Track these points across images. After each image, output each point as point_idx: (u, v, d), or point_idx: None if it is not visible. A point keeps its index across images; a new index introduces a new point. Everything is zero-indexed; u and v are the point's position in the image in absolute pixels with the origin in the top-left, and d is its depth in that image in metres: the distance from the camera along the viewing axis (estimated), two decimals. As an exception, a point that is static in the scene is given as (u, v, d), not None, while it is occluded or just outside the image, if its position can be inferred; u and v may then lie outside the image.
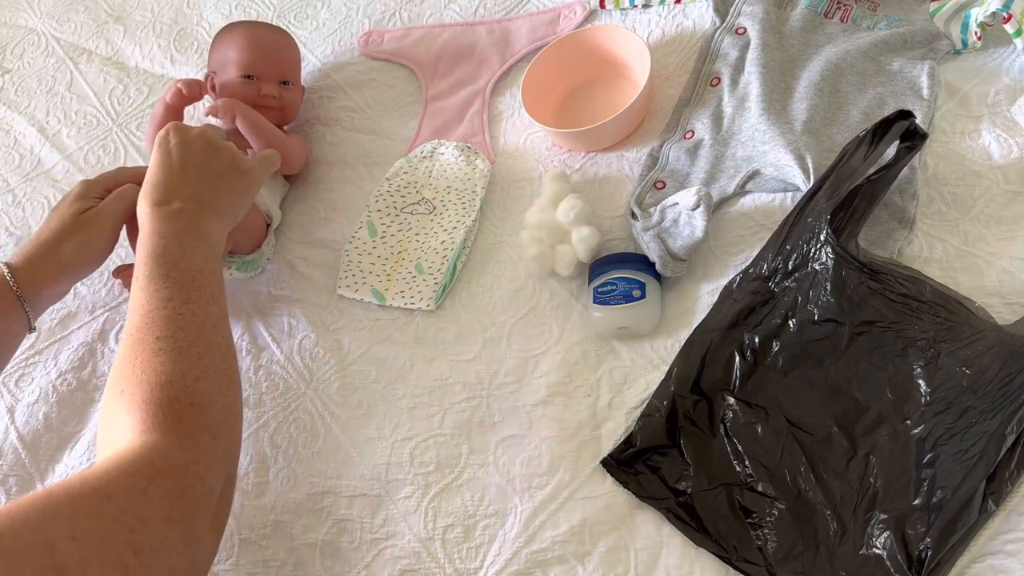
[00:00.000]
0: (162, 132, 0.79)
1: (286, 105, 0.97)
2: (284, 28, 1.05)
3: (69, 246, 0.79)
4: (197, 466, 0.58)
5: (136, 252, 0.73)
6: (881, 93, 0.80)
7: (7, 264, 0.77)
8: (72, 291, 0.97)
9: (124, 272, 0.87)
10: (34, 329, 0.79)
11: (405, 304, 0.84)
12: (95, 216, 0.80)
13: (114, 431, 0.60)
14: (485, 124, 0.96)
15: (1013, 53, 0.78)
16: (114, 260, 0.98)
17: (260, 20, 1.15)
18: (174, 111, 0.94)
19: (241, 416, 0.67)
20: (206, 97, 0.98)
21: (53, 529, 0.49)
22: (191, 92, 0.93)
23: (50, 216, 0.82)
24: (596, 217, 0.82)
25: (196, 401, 0.61)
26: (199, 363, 0.64)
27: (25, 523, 0.49)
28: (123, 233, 0.84)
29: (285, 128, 1.01)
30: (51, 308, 0.96)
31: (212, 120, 1.01)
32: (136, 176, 0.84)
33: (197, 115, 1.09)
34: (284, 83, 0.97)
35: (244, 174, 0.80)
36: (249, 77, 0.95)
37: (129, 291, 0.86)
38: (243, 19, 1.15)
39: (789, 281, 0.69)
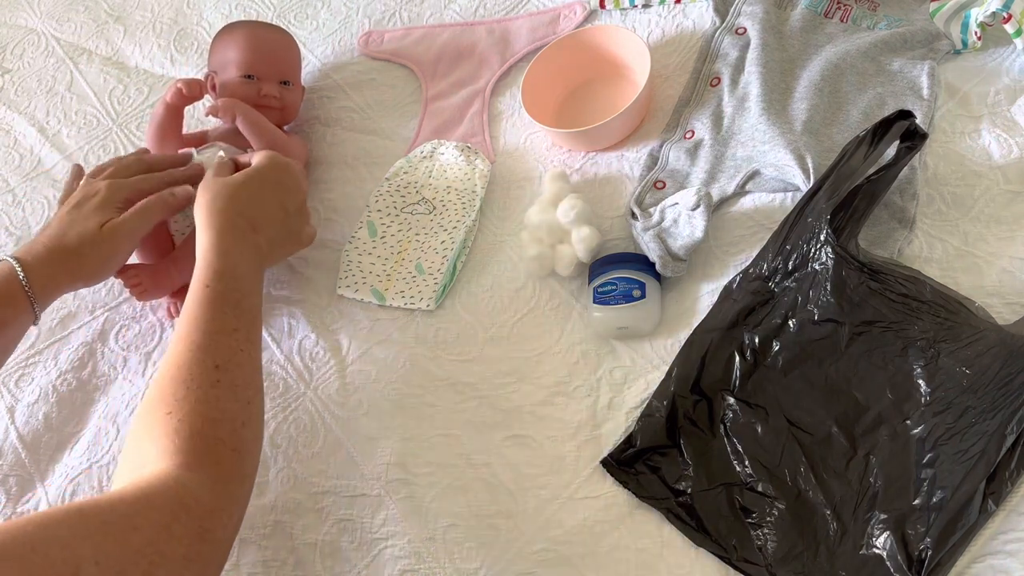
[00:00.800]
0: (269, 157, 0.80)
1: (286, 105, 0.97)
2: (284, 28, 1.05)
3: (89, 259, 0.77)
4: (222, 513, 0.59)
5: (207, 257, 0.71)
6: (881, 93, 0.80)
7: (17, 259, 0.74)
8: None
9: (125, 272, 0.86)
10: (38, 321, 0.77)
11: (405, 304, 0.84)
12: (118, 231, 0.78)
13: (149, 448, 0.60)
14: (485, 124, 0.96)
15: (1013, 53, 0.78)
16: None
17: (260, 20, 1.15)
18: (174, 111, 0.94)
19: (258, 465, 0.67)
20: (207, 96, 0.98)
21: (80, 549, 0.49)
22: (191, 92, 0.93)
23: (70, 216, 0.78)
24: (596, 217, 0.82)
25: (238, 447, 0.62)
26: (248, 408, 0.64)
27: (55, 539, 0.49)
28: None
29: (285, 128, 1.01)
30: (51, 308, 0.96)
31: (212, 119, 1.01)
32: (160, 182, 0.83)
33: (197, 115, 1.09)
34: (284, 83, 0.97)
35: (300, 240, 0.83)
36: (249, 77, 0.95)
37: (132, 292, 0.86)
38: (243, 19, 1.15)
39: (789, 281, 0.69)
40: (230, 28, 0.99)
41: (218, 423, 0.61)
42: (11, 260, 0.74)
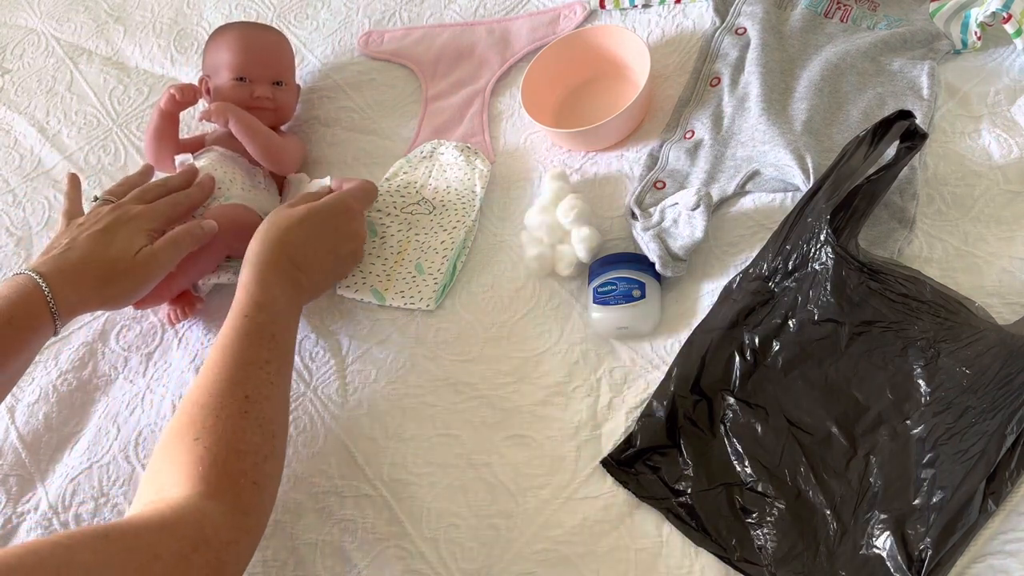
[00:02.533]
0: (336, 199, 0.82)
1: (280, 106, 0.97)
2: (282, 28, 1.05)
3: (120, 285, 0.77)
4: (237, 545, 0.59)
5: (250, 288, 0.72)
6: (881, 93, 0.80)
7: (42, 275, 0.73)
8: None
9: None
10: (57, 334, 0.76)
11: (405, 304, 0.84)
12: (152, 261, 0.78)
13: (172, 471, 0.61)
14: (485, 124, 0.96)
15: (1013, 53, 0.78)
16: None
17: (256, 21, 1.15)
18: (169, 117, 0.94)
19: (274, 500, 0.68)
20: (201, 101, 0.98)
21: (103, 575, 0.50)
22: (184, 97, 0.93)
23: (103, 239, 0.77)
24: (596, 217, 0.82)
25: (259, 481, 0.62)
26: (272, 442, 0.64)
27: (79, 565, 0.50)
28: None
29: (282, 128, 1.01)
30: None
31: (206, 124, 1.01)
32: (186, 208, 0.84)
33: (192, 120, 1.09)
34: (277, 83, 0.97)
35: (341, 273, 0.85)
36: (241, 79, 0.95)
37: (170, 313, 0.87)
38: (241, 20, 1.15)
39: (789, 281, 0.69)
40: (221, 31, 0.99)
41: (243, 455, 0.62)
42: (36, 277, 0.73)
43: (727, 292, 0.72)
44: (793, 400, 0.66)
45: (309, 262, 0.78)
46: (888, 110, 0.76)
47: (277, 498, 0.76)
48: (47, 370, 0.92)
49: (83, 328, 0.95)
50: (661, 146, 0.85)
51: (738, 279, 0.72)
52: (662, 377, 0.71)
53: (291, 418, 0.81)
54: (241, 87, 0.95)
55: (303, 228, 0.78)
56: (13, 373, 0.77)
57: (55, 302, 0.73)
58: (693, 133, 0.85)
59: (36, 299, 0.72)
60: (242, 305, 0.71)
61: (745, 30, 0.87)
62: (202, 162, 0.92)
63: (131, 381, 0.89)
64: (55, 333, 0.75)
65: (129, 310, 0.94)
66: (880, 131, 0.69)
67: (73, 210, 0.84)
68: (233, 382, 0.65)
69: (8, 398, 0.91)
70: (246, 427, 0.63)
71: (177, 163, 0.93)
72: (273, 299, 0.72)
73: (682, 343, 0.72)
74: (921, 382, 0.62)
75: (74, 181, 0.88)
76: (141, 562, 0.52)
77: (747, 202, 0.79)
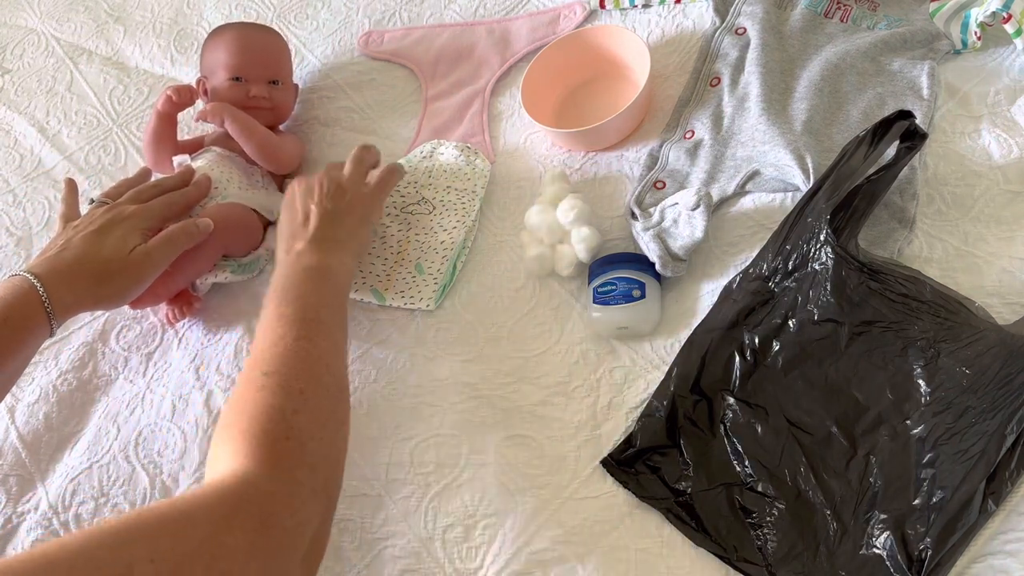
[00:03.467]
0: (288, 189, 0.82)
1: (277, 105, 0.97)
2: (282, 28, 1.05)
3: (115, 284, 0.78)
4: (290, 499, 0.57)
5: (271, 283, 0.74)
6: (881, 93, 0.80)
7: (37, 276, 0.74)
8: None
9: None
10: (53, 335, 0.77)
11: (405, 304, 0.84)
12: (147, 259, 0.79)
13: (216, 463, 0.60)
14: (485, 124, 0.96)
15: (1013, 53, 0.78)
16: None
17: (255, 21, 1.15)
18: (167, 118, 0.94)
19: (344, 457, 0.66)
20: (199, 101, 0.98)
21: (133, 550, 0.49)
22: (181, 98, 0.93)
23: (97, 239, 0.78)
24: (596, 217, 0.82)
25: (292, 435, 0.60)
26: (300, 397, 0.63)
27: (101, 544, 0.49)
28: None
29: (280, 127, 1.01)
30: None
31: (204, 125, 1.01)
32: (181, 207, 0.85)
33: (189, 121, 1.09)
34: (274, 83, 0.97)
35: (355, 206, 0.81)
36: (237, 79, 0.95)
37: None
38: (240, 20, 1.15)
39: (789, 281, 0.69)
40: (218, 31, 0.99)
41: (262, 415, 0.60)
42: (31, 278, 0.74)
43: (727, 292, 0.72)
44: (793, 400, 0.66)
45: (301, 233, 0.78)
46: (888, 110, 0.76)
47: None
48: (47, 370, 0.92)
49: (83, 328, 0.94)
50: (661, 146, 0.85)
51: (738, 279, 0.72)
52: (662, 377, 0.71)
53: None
54: (237, 87, 0.95)
55: (287, 220, 0.80)
56: (11, 373, 0.77)
57: (50, 302, 0.73)
58: (693, 133, 0.85)
59: (31, 299, 0.73)
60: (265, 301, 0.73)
61: (745, 30, 0.87)
62: (199, 162, 0.92)
63: (131, 381, 0.89)
64: (51, 334, 0.75)
65: (129, 310, 0.94)
66: (880, 131, 0.69)
67: (70, 213, 0.85)
68: (251, 369, 0.65)
69: (8, 398, 0.91)
70: (265, 396, 0.62)
71: (175, 164, 0.93)
72: (278, 282, 0.73)
73: (682, 343, 0.72)
74: (921, 382, 0.62)
75: (71, 185, 0.89)
76: (175, 531, 0.51)
77: (747, 202, 0.78)
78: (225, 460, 0.59)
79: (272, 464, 0.58)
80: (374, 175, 0.85)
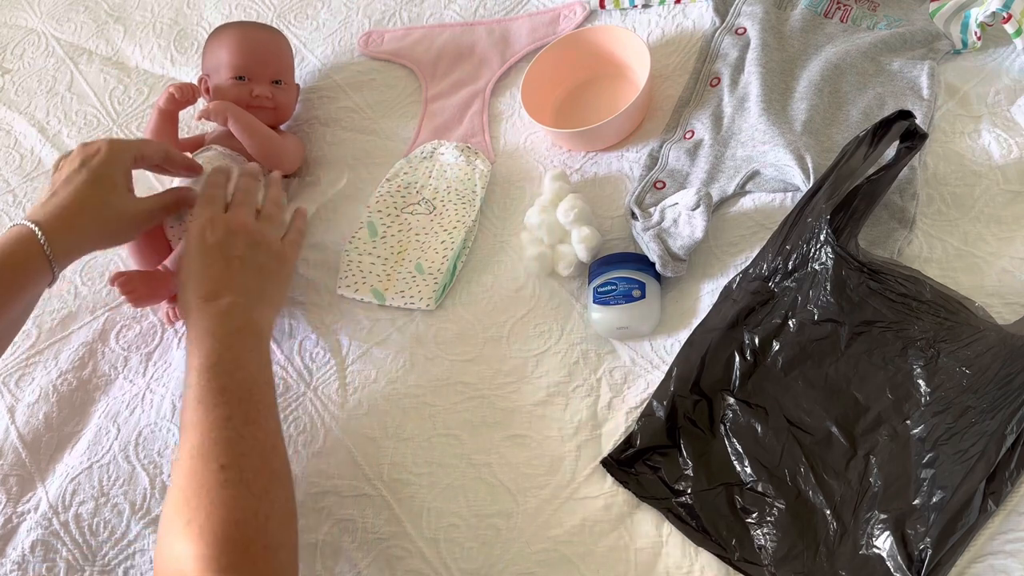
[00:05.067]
0: (197, 226, 0.77)
1: (279, 105, 0.97)
2: (282, 28, 1.05)
3: (112, 228, 0.78)
4: None
5: (187, 351, 0.70)
6: (881, 93, 0.80)
7: (37, 224, 0.72)
8: (73, 291, 0.98)
9: (119, 279, 0.86)
10: (55, 283, 0.75)
11: (405, 304, 0.84)
12: (144, 216, 0.79)
13: (178, 562, 0.59)
14: (485, 124, 0.96)
15: (1013, 53, 0.78)
16: (109, 267, 0.99)
17: (255, 20, 1.15)
18: (168, 116, 0.94)
19: (297, 553, 0.65)
20: (200, 100, 0.98)
21: None
22: (184, 96, 0.93)
23: (80, 179, 0.75)
24: (596, 217, 0.82)
25: (269, 544, 0.60)
26: (266, 498, 0.62)
27: None
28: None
29: (281, 127, 1.01)
30: (52, 309, 0.97)
31: (205, 123, 1.01)
32: (158, 148, 0.82)
33: (189, 120, 1.09)
34: (277, 83, 0.97)
35: (284, 261, 0.80)
36: (240, 78, 0.95)
37: (127, 299, 0.85)
38: (240, 19, 1.15)
39: (789, 281, 0.69)
40: (221, 30, 0.99)
41: (241, 524, 0.59)
42: (31, 225, 0.72)
43: (727, 292, 0.72)
44: (793, 400, 0.66)
45: (227, 280, 0.74)
46: (888, 110, 0.76)
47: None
48: (47, 370, 0.92)
49: (83, 328, 0.94)
50: (661, 146, 0.85)
51: (738, 279, 0.72)
52: (662, 377, 0.71)
53: (291, 418, 0.81)
54: (240, 86, 0.95)
55: (205, 262, 0.75)
56: (14, 320, 0.76)
57: (52, 250, 0.72)
58: (693, 133, 0.85)
59: (31, 247, 0.72)
60: (185, 377, 0.69)
61: (745, 30, 0.87)
62: (201, 160, 0.92)
63: (131, 381, 0.89)
64: (53, 279, 0.74)
65: (129, 309, 0.94)
66: (880, 131, 0.69)
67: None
68: (204, 456, 0.63)
69: (8, 398, 0.91)
70: (234, 495, 0.60)
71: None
72: (205, 355, 0.68)
73: (682, 343, 0.72)
74: (921, 382, 0.62)
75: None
76: None
77: (747, 202, 0.79)
78: (197, 558, 0.57)
79: None
80: (285, 219, 0.84)
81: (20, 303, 0.74)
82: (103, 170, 0.76)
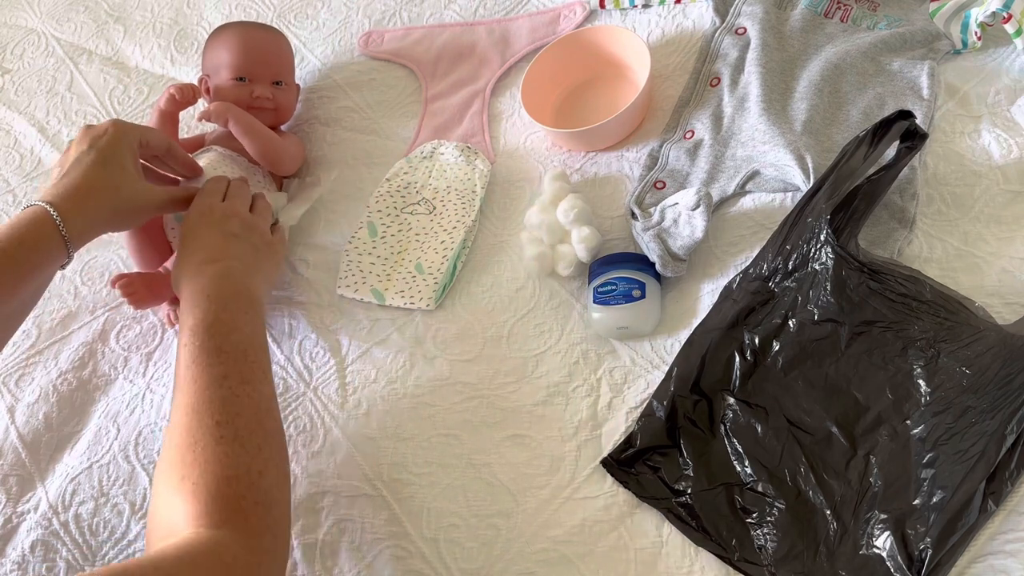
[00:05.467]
0: (196, 209, 0.79)
1: (280, 105, 0.97)
2: (282, 28, 1.04)
3: (121, 219, 0.78)
4: (260, 568, 0.58)
5: (181, 314, 0.71)
6: (881, 93, 0.80)
7: (51, 204, 0.71)
8: (73, 291, 0.98)
9: (120, 281, 0.86)
10: (69, 263, 0.75)
11: (405, 304, 0.84)
12: (154, 203, 0.79)
13: (173, 518, 0.59)
14: (485, 124, 0.96)
15: (1013, 53, 0.78)
16: (109, 267, 0.99)
17: (256, 21, 1.15)
18: (169, 116, 0.94)
19: (290, 511, 0.66)
20: (201, 100, 0.98)
21: None
22: (184, 97, 0.93)
23: (89, 159, 0.75)
24: (596, 217, 0.82)
25: (261, 500, 0.60)
26: (260, 456, 0.62)
27: None
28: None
29: (282, 128, 1.01)
30: (52, 308, 0.97)
31: (205, 124, 1.01)
32: (162, 137, 0.83)
33: (189, 120, 1.09)
34: (277, 83, 0.97)
35: (274, 249, 0.82)
36: (241, 79, 0.95)
37: (128, 301, 0.86)
38: (241, 19, 1.15)
39: (789, 281, 0.69)
40: (221, 30, 0.99)
41: (235, 479, 0.60)
42: (45, 205, 0.71)
43: (727, 292, 0.72)
44: (793, 400, 0.66)
45: (224, 249, 0.75)
46: (888, 110, 0.76)
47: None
48: (47, 370, 0.92)
49: (83, 328, 0.94)
50: (661, 146, 0.85)
51: (738, 279, 0.72)
52: (662, 377, 0.71)
53: (291, 418, 0.81)
54: (241, 87, 0.95)
55: (203, 234, 0.77)
56: (26, 301, 0.76)
57: (67, 231, 0.72)
58: (693, 133, 0.85)
59: (47, 228, 0.71)
60: (180, 337, 0.69)
61: (745, 30, 0.87)
62: (201, 162, 0.92)
63: (131, 381, 0.89)
64: (68, 258, 0.73)
65: (130, 309, 0.94)
66: (880, 131, 0.69)
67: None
68: (199, 412, 0.63)
69: (8, 398, 0.91)
70: (227, 451, 0.61)
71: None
72: (202, 315, 0.69)
73: (682, 343, 0.72)
74: (921, 382, 0.62)
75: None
76: None
77: (747, 202, 0.79)
78: (190, 521, 0.58)
79: (247, 532, 0.58)
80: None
81: (34, 283, 0.74)
82: (110, 151, 0.76)
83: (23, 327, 0.95)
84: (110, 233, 0.82)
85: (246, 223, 0.79)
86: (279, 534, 0.61)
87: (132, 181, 0.77)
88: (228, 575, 0.55)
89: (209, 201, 0.80)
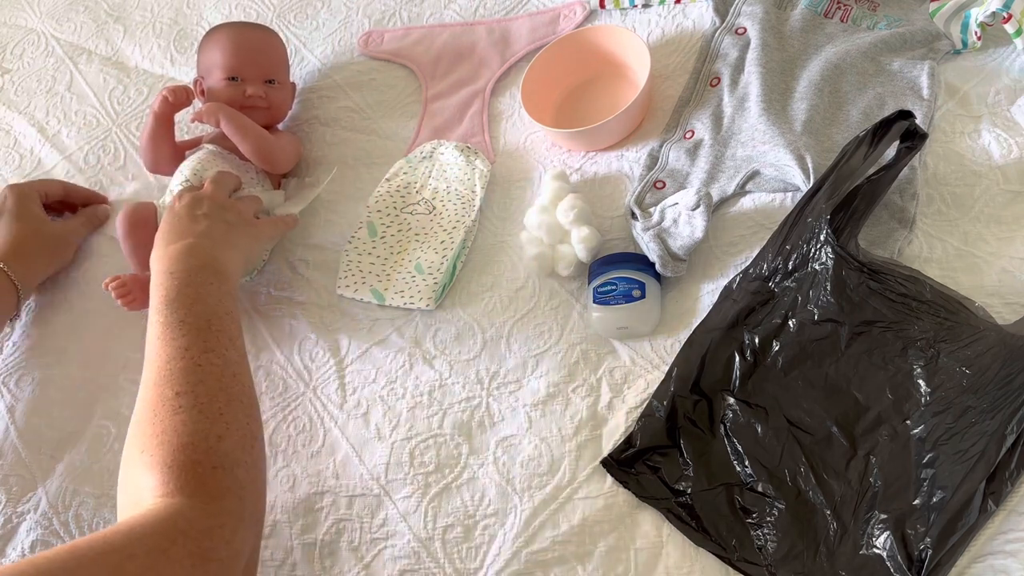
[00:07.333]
0: (172, 201, 0.84)
1: (273, 104, 0.97)
2: (281, 28, 1.04)
3: (55, 258, 0.96)
4: (222, 530, 0.57)
5: (150, 295, 0.72)
6: (881, 93, 0.80)
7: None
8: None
9: (114, 283, 0.87)
10: (18, 316, 0.89)
11: (404, 304, 0.84)
12: (72, 234, 0.98)
13: (136, 493, 0.60)
14: (485, 124, 0.96)
15: (1013, 53, 0.78)
16: (108, 270, 0.99)
17: (254, 21, 1.15)
18: (163, 119, 0.94)
19: (266, 473, 0.66)
20: (196, 101, 0.98)
21: None
22: (177, 99, 0.93)
23: (28, 221, 0.93)
24: (596, 217, 0.82)
25: (219, 463, 0.60)
26: (220, 420, 0.62)
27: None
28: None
29: (278, 127, 1.01)
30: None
31: (199, 125, 1.01)
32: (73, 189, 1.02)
33: (186, 121, 1.09)
34: (270, 82, 0.97)
35: (254, 227, 0.83)
36: (233, 79, 0.95)
37: (120, 301, 0.86)
38: (240, 20, 1.15)
39: (789, 281, 0.69)
40: (213, 31, 0.99)
41: (190, 446, 0.60)
42: None
43: (727, 292, 0.72)
44: (793, 400, 0.66)
45: (191, 228, 0.77)
46: (888, 110, 0.76)
47: (276, 498, 0.77)
48: (47, 370, 0.92)
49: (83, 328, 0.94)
50: (661, 146, 0.85)
51: (738, 279, 0.72)
52: (662, 377, 0.71)
53: (291, 418, 0.81)
54: (233, 87, 0.94)
55: (172, 220, 0.80)
56: None
57: (17, 278, 0.89)
58: (693, 133, 0.85)
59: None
60: (148, 316, 0.71)
61: (745, 30, 0.87)
62: (193, 159, 0.92)
63: (131, 380, 0.89)
64: (18, 308, 0.90)
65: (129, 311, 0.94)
66: (880, 131, 0.69)
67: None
68: (160, 385, 0.63)
69: (8, 398, 0.91)
70: (184, 420, 0.61)
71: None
72: (169, 285, 0.71)
73: (682, 343, 0.72)
74: (921, 382, 0.62)
75: None
76: (113, 564, 0.51)
77: (747, 202, 0.78)
78: (148, 494, 0.58)
79: (204, 496, 0.58)
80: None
81: None
82: (20, 207, 0.92)
83: (24, 327, 0.96)
84: (103, 247, 0.94)
85: (217, 202, 0.82)
86: (245, 495, 0.61)
87: (47, 223, 0.95)
88: (183, 540, 0.55)
89: (185, 193, 0.84)
